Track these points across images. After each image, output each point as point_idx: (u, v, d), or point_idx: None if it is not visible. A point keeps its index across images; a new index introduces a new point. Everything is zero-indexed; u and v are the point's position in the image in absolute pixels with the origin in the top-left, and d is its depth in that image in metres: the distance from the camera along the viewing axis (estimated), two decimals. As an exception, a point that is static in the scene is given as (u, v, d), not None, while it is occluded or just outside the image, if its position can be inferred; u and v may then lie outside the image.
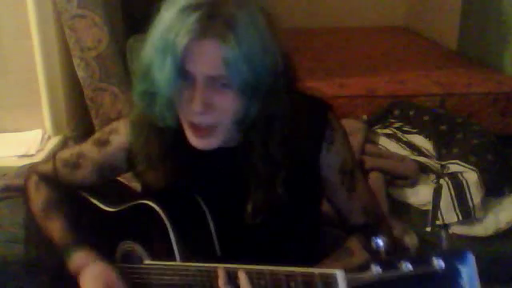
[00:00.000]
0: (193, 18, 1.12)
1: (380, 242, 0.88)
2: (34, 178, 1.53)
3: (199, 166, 1.34)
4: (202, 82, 1.16)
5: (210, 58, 1.14)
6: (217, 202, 1.34)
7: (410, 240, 0.85)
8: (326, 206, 1.49)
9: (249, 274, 1.10)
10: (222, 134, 1.24)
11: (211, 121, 1.20)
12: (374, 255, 0.88)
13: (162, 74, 1.15)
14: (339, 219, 1.45)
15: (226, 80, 1.16)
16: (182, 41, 1.12)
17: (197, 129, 1.22)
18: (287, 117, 1.25)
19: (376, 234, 1.29)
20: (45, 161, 1.63)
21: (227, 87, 1.17)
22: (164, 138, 1.31)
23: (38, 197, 1.49)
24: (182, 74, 1.16)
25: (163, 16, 1.17)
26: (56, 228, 1.42)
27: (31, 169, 1.57)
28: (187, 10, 1.13)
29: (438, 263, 0.83)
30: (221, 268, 1.14)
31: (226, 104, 1.19)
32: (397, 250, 0.86)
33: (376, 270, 0.85)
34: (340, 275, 0.91)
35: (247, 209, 1.31)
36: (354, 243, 1.36)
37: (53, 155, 1.56)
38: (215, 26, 1.12)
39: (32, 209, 1.50)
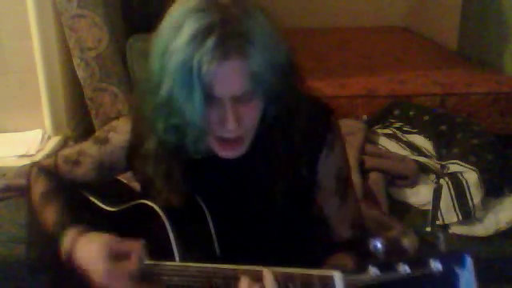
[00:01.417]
0: (209, 43, 1.09)
1: (378, 243, 0.89)
2: (35, 170, 1.53)
3: (213, 174, 1.34)
4: (230, 101, 1.15)
5: (237, 78, 1.13)
6: (219, 202, 1.35)
7: (409, 241, 0.85)
8: None
9: (249, 275, 1.10)
10: (248, 140, 1.25)
11: (242, 132, 1.21)
12: (372, 257, 0.88)
13: (192, 107, 1.13)
14: (326, 230, 1.45)
15: (251, 93, 1.16)
16: (208, 69, 1.09)
17: (226, 143, 1.22)
18: (304, 107, 1.27)
19: (361, 250, 1.30)
20: (47, 157, 1.63)
21: (252, 97, 1.17)
22: (184, 160, 1.29)
23: (37, 187, 1.49)
24: (209, 99, 1.14)
25: (172, 45, 1.12)
26: (52, 213, 1.41)
27: (33, 164, 1.58)
28: (199, 35, 1.09)
29: (436, 265, 0.83)
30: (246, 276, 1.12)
31: (253, 113, 1.20)
32: (395, 252, 0.86)
33: (374, 271, 0.85)
34: (338, 277, 0.91)
35: (275, 196, 1.30)
36: (348, 261, 1.34)
37: (54, 153, 1.56)
38: (234, 45, 1.10)
39: (32, 198, 1.49)
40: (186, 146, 1.24)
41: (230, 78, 1.13)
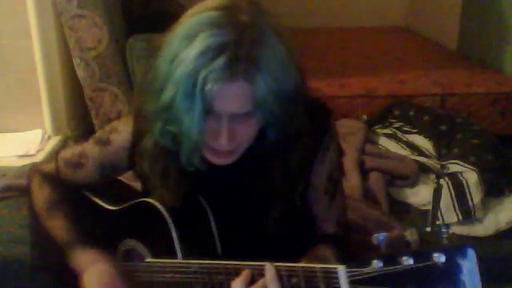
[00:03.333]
0: (219, 62, 1.08)
1: (381, 237, 0.89)
2: (37, 179, 1.53)
3: (211, 176, 1.33)
4: (227, 118, 1.15)
5: (239, 99, 1.13)
6: (219, 202, 1.35)
7: (411, 236, 0.85)
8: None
9: (251, 270, 1.11)
10: (240, 151, 1.25)
11: (234, 147, 1.21)
12: (375, 250, 0.88)
13: (190, 120, 1.13)
14: (312, 223, 1.46)
15: (251, 114, 1.16)
16: (213, 88, 1.09)
17: (217, 152, 1.23)
18: (305, 130, 1.27)
19: (344, 245, 1.38)
20: (47, 161, 1.62)
21: (250, 117, 1.17)
22: (180, 161, 1.29)
23: (41, 197, 1.49)
24: (207, 112, 1.14)
25: (181, 54, 1.12)
26: (58, 227, 1.42)
27: (34, 169, 1.57)
28: (210, 52, 1.09)
29: (439, 258, 0.83)
30: (247, 270, 1.13)
31: (248, 132, 1.21)
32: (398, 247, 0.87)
33: (377, 264, 0.85)
34: (341, 270, 0.92)
35: (268, 221, 1.32)
36: (328, 253, 1.36)
37: (55, 155, 1.56)
38: (242, 69, 1.09)
39: (35, 209, 1.50)
40: (180, 155, 1.24)
41: (232, 98, 1.13)
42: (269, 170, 1.30)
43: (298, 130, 1.25)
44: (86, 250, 1.36)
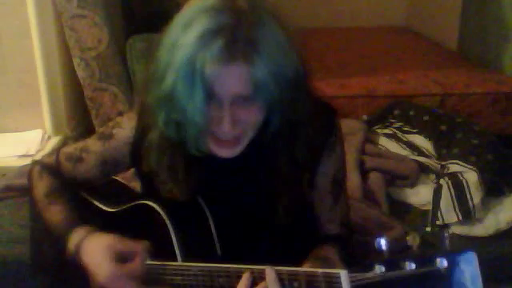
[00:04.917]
0: (217, 44, 1.09)
1: (383, 242, 0.89)
2: (38, 168, 1.53)
3: (215, 173, 1.34)
4: (229, 101, 1.15)
5: (239, 80, 1.13)
6: (220, 203, 1.35)
7: (413, 240, 0.86)
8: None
9: (252, 273, 1.11)
10: (245, 141, 1.25)
11: (238, 134, 1.21)
12: (377, 255, 0.88)
13: (193, 104, 1.13)
14: (315, 224, 1.46)
15: (252, 98, 1.16)
16: (212, 70, 1.10)
17: (221, 142, 1.23)
18: (309, 120, 1.27)
19: (347, 246, 1.38)
20: (48, 154, 1.62)
21: (252, 101, 1.17)
22: (187, 154, 1.29)
23: (41, 184, 1.49)
24: (209, 98, 1.14)
25: (180, 39, 1.13)
26: (58, 212, 1.41)
27: (35, 161, 1.57)
28: (208, 35, 1.10)
29: (442, 263, 0.84)
30: (248, 273, 1.13)
31: (252, 117, 1.20)
32: (399, 250, 0.87)
33: (379, 269, 0.85)
34: (344, 275, 0.92)
35: (278, 210, 1.32)
36: (331, 254, 1.36)
37: (57, 150, 1.56)
38: (240, 50, 1.10)
39: (35, 197, 1.49)
40: (187, 142, 1.24)
41: (232, 80, 1.13)
42: (274, 160, 1.30)
43: (300, 119, 1.25)
44: (84, 227, 1.35)
